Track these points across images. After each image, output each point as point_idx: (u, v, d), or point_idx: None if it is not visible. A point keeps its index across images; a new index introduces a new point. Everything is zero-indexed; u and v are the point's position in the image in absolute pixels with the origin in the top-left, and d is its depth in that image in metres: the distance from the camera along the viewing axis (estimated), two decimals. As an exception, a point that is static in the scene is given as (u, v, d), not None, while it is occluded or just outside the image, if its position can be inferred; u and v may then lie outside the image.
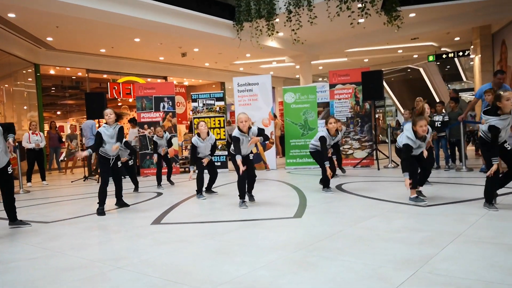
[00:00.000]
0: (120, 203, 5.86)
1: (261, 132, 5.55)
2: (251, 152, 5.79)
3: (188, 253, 3.38)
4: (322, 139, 6.17)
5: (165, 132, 8.19)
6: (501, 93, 4.28)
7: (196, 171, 6.39)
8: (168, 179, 8.39)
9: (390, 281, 2.51)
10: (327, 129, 6.30)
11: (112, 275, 2.91)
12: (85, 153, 5.58)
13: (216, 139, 6.90)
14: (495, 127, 4.24)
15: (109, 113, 5.42)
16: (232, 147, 5.48)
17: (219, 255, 3.26)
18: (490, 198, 4.43)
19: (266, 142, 5.69)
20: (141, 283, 2.71)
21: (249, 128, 5.48)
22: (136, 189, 7.55)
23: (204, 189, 6.52)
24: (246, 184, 5.55)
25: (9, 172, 4.62)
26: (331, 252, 3.17)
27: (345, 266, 2.82)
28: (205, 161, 6.41)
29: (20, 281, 2.91)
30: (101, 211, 5.38)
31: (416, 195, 5.04)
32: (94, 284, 2.76)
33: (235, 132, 5.50)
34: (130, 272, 2.95)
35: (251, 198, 5.67)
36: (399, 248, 3.17)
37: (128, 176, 8.07)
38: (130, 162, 7.62)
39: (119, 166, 5.68)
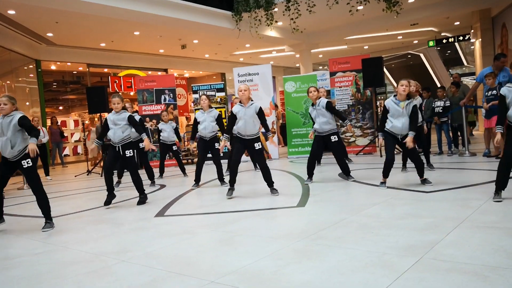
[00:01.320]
0: (141, 198, 5.51)
1: (263, 120, 5.37)
2: (257, 140, 5.35)
3: (192, 245, 3.39)
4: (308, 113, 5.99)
5: (171, 121, 8.17)
6: None
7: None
8: (183, 171, 8.28)
9: (394, 268, 2.51)
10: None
11: (117, 268, 2.93)
12: (93, 145, 5.58)
13: (219, 113, 6.84)
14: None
15: (115, 101, 5.34)
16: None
17: (223, 246, 3.28)
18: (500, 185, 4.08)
19: (269, 135, 5.53)
20: (145, 275, 2.73)
21: (250, 100, 5.31)
22: (152, 182, 7.26)
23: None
24: (236, 170, 5.39)
25: (23, 166, 4.39)
26: (334, 240, 3.18)
27: (349, 254, 2.82)
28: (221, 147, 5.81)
29: (25, 276, 2.93)
30: (106, 201, 5.44)
31: (383, 181, 5.19)
32: (99, 277, 2.78)
33: (235, 106, 5.37)
34: (134, 265, 2.96)
35: (273, 191, 5.35)
36: (402, 234, 3.18)
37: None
38: (141, 145, 7.14)
39: (127, 155, 5.40)
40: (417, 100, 6.16)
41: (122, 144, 5.39)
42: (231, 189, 5.42)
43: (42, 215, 4.47)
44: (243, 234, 3.58)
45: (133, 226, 4.23)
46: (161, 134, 8.03)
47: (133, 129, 5.48)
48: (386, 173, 5.17)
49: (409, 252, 2.77)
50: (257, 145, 5.32)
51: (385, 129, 5.19)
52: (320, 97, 6.08)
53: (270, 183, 5.39)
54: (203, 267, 2.82)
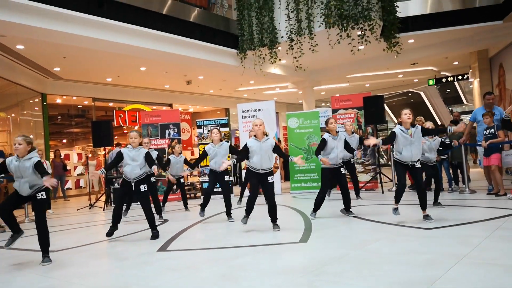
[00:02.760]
0: (154, 234, 5.43)
1: (282, 153, 5.61)
2: (270, 174, 5.40)
3: (195, 280, 3.42)
4: (322, 140, 6.03)
5: (180, 155, 8.32)
6: None
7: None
8: (185, 205, 8.41)
9: (395, 303, 2.55)
10: (328, 130, 6.10)
11: (121, 301, 2.95)
12: (98, 172, 5.65)
13: (230, 143, 6.98)
14: None
15: (133, 136, 5.41)
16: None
17: (226, 281, 3.30)
18: None
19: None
20: (150, 308, 2.76)
21: (266, 135, 5.40)
22: (160, 216, 7.31)
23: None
24: (252, 206, 5.49)
25: (37, 198, 4.42)
26: (336, 276, 3.21)
27: (351, 289, 2.86)
28: (223, 166, 5.78)
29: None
30: (109, 232, 5.49)
31: (396, 207, 5.37)
32: (104, 310, 2.81)
33: (249, 140, 5.45)
34: (138, 298, 2.99)
35: (275, 227, 5.36)
36: (404, 270, 3.21)
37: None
38: (152, 179, 7.18)
39: (142, 190, 5.43)
40: (436, 141, 6.46)
41: (136, 180, 5.42)
42: (247, 217, 5.55)
43: (39, 250, 4.47)
44: (246, 269, 3.61)
45: (135, 261, 4.25)
46: (171, 167, 8.10)
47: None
48: (398, 198, 5.32)
49: (410, 287, 2.81)
50: (270, 179, 5.38)
51: (394, 158, 5.38)
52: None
53: (274, 219, 5.44)
54: (207, 301, 2.85)
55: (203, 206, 6.80)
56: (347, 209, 6.12)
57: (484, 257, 3.44)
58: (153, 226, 5.48)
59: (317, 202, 6.08)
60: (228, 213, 6.58)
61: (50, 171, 9.95)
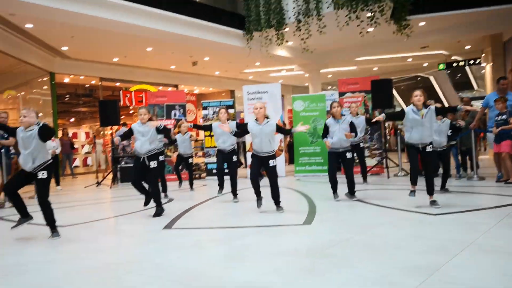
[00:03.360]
0: (157, 210, 5.49)
1: (283, 131, 5.63)
2: (272, 157, 5.39)
3: (200, 258, 3.44)
4: (324, 126, 6.04)
5: (187, 132, 8.39)
6: None
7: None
8: (191, 185, 8.45)
9: (400, 287, 2.53)
10: (332, 114, 6.06)
11: (126, 278, 2.98)
12: (116, 139, 5.67)
13: (236, 122, 7.00)
14: None
15: (142, 112, 5.50)
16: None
17: (230, 261, 3.31)
18: None
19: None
20: (154, 286, 2.78)
21: (266, 117, 5.39)
22: (165, 194, 7.36)
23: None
24: (257, 183, 5.49)
25: (38, 177, 4.46)
26: (340, 259, 3.20)
27: (355, 273, 2.85)
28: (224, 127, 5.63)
29: (36, 282, 2.99)
30: (146, 201, 5.73)
31: (413, 189, 5.25)
32: (109, 286, 2.83)
33: (250, 122, 5.46)
34: (143, 276, 3.01)
35: (279, 209, 5.39)
36: (408, 255, 3.19)
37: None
38: (160, 157, 6.79)
39: (151, 166, 5.48)
40: (445, 123, 6.47)
41: (147, 156, 5.48)
42: (259, 199, 5.54)
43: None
44: (250, 250, 3.62)
45: (141, 238, 4.29)
46: (178, 146, 8.23)
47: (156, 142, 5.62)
48: (414, 180, 5.22)
49: (415, 273, 2.79)
50: (272, 162, 5.36)
51: (405, 141, 5.30)
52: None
53: (277, 201, 5.45)
54: (211, 280, 2.86)
55: (221, 185, 6.74)
56: (351, 193, 6.11)
57: (492, 244, 3.41)
58: (158, 202, 5.54)
59: (332, 184, 6.09)
60: (234, 193, 6.58)
61: (59, 149, 10.00)
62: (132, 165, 6.66)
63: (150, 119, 5.58)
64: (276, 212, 5.34)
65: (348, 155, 6.03)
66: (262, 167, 5.48)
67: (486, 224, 4.11)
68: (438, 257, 3.09)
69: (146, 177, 5.60)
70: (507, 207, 4.94)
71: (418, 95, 5.09)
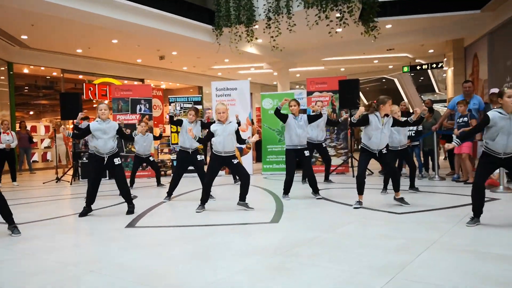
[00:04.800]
0: (130, 208, 5.33)
1: (238, 136, 5.45)
2: (234, 157, 5.42)
3: (164, 257, 3.32)
4: (284, 115, 6.02)
5: (147, 133, 8.22)
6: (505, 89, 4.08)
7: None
8: (158, 181, 8.32)
9: (367, 287, 2.53)
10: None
11: (85, 279, 2.83)
12: (65, 131, 5.39)
13: (202, 121, 6.77)
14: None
15: (103, 108, 5.25)
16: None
17: (196, 260, 3.22)
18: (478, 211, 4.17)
19: (243, 146, 5.54)
20: (114, 287, 2.65)
21: (228, 121, 5.38)
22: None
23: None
24: (209, 190, 5.48)
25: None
26: (308, 257, 3.18)
27: (322, 272, 2.83)
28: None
29: (-13, 285, 2.80)
30: (82, 213, 5.25)
31: (358, 200, 5.26)
32: (66, 288, 2.68)
33: (213, 125, 5.39)
34: (104, 276, 2.87)
35: (244, 205, 5.40)
36: (375, 254, 3.21)
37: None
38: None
39: (116, 163, 5.29)
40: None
41: (110, 154, 5.28)
42: (202, 206, 5.43)
43: (4, 222, 4.30)
44: (216, 248, 3.53)
45: (102, 237, 4.11)
46: (135, 146, 8.02)
47: None
48: (360, 190, 5.24)
49: (382, 272, 2.80)
50: (235, 161, 5.42)
51: (361, 145, 5.38)
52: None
53: (244, 196, 5.43)
54: (175, 280, 2.76)
55: (170, 192, 6.44)
56: (314, 191, 6.15)
57: (454, 243, 3.48)
58: (129, 200, 5.38)
59: (286, 184, 6.12)
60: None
61: (15, 142, 9.54)
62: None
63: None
64: (237, 207, 5.38)
65: (306, 153, 6.10)
66: (228, 167, 5.47)
67: (448, 223, 4.21)
68: (404, 256, 3.12)
69: (114, 176, 5.40)
70: (468, 206, 5.05)
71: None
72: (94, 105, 17.28)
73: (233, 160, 5.40)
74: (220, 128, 5.31)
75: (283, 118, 6.04)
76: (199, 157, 6.46)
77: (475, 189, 4.19)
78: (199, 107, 11.03)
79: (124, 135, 5.61)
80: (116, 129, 5.33)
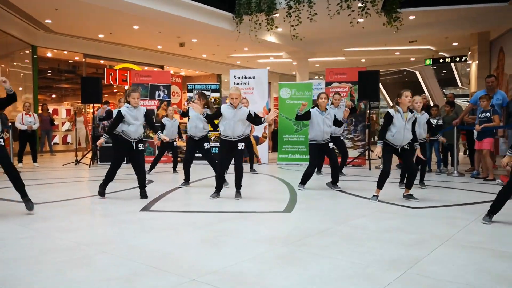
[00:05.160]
0: (142, 193, 5.37)
1: (255, 119, 5.37)
2: (241, 140, 5.35)
3: (176, 241, 3.35)
4: (307, 112, 5.92)
5: (174, 118, 8.27)
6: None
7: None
8: (174, 168, 8.44)
9: (377, 281, 2.50)
10: (318, 105, 6.00)
11: (97, 259, 2.88)
12: (102, 140, 5.41)
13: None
14: None
15: (136, 96, 5.29)
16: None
17: (207, 245, 3.24)
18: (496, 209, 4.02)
19: (259, 135, 5.46)
20: (126, 268, 2.69)
21: (240, 104, 5.30)
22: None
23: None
24: (223, 176, 5.47)
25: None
26: (319, 248, 3.16)
27: (332, 264, 2.81)
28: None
29: (5, 259, 2.87)
30: (101, 192, 5.38)
31: (376, 194, 5.19)
32: (78, 266, 2.73)
33: (223, 106, 5.31)
34: (115, 257, 2.91)
35: (237, 195, 5.36)
36: (387, 248, 3.17)
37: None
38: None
39: (140, 149, 5.36)
40: (424, 116, 6.31)
41: (138, 140, 5.37)
42: (216, 193, 5.42)
43: (22, 201, 4.41)
44: (227, 235, 3.55)
45: (117, 219, 4.17)
46: (164, 130, 7.98)
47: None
48: (380, 185, 5.16)
49: (393, 266, 2.76)
50: (241, 145, 5.32)
51: (385, 140, 5.13)
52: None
53: (238, 186, 5.40)
54: (185, 264, 2.78)
55: (186, 178, 6.51)
56: (334, 183, 6.10)
57: (470, 240, 3.41)
58: (144, 185, 5.43)
59: (305, 175, 6.07)
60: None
61: (37, 124, 9.74)
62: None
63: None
64: (234, 198, 5.29)
65: (331, 145, 6.06)
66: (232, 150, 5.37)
67: (464, 219, 4.12)
68: (416, 251, 3.07)
69: (134, 160, 5.42)
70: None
71: (323, 98, 5.85)
72: (115, 90, 17.49)
73: (239, 144, 5.32)
74: (231, 113, 5.24)
75: (306, 116, 5.95)
76: (206, 145, 6.42)
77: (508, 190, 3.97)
78: (217, 94, 11.05)
79: (152, 123, 5.67)
80: (144, 114, 5.40)
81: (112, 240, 3.38)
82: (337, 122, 6.19)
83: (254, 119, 5.39)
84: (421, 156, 5.50)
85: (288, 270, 2.68)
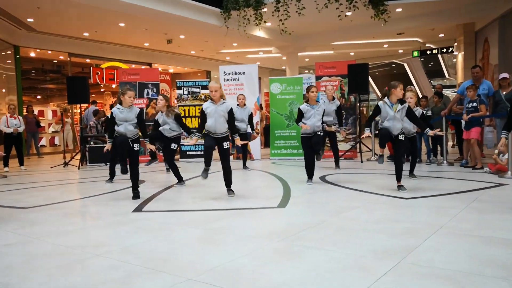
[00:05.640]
0: (135, 194, 5.32)
1: (231, 121, 5.18)
2: (226, 139, 5.20)
3: (170, 241, 3.33)
4: (298, 111, 5.97)
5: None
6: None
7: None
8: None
9: (372, 271, 2.51)
10: (308, 98, 6.00)
11: (91, 262, 2.84)
12: (108, 146, 5.48)
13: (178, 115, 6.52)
14: None
15: (132, 95, 5.28)
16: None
17: (202, 244, 3.23)
18: None
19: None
20: (120, 270, 2.66)
21: (222, 99, 5.14)
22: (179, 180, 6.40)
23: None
24: (210, 154, 5.19)
25: None
26: (314, 242, 3.17)
27: (328, 256, 2.82)
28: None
29: (-5, 266, 2.83)
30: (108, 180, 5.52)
31: (382, 153, 5.36)
32: (71, 271, 2.70)
33: (205, 103, 5.21)
34: (109, 260, 2.89)
35: (230, 192, 5.27)
36: (381, 238, 3.19)
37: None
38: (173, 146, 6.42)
39: (135, 149, 5.31)
40: (418, 111, 6.50)
41: (132, 139, 5.34)
42: (206, 169, 5.19)
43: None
44: (222, 233, 3.54)
45: (109, 221, 4.13)
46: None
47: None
48: (382, 144, 5.29)
49: (387, 256, 2.78)
50: (225, 144, 5.19)
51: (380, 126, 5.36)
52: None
53: (228, 183, 5.30)
54: (180, 264, 2.77)
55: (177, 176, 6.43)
56: (336, 164, 6.23)
57: (460, 227, 3.45)
58: (137, 186, 5.38)
59: (307, 168, 6.08)
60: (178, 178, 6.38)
61: (22, 127, 9.58)
62: (101, 145, 6.36)
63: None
64: (228, 196, 5.23)
65: (319, 132, 6.01)
66: (217, 147, 5.25)
67: (455, 208, 4.17)
68: (410, 241, 3.10)
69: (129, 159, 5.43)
70: (475, 192, 5.05)
71: (314, 91, 5.88)
72: (102, 90, 17.32)
73: (224, 143, 5.18)
74: (212, 108, 5.10)
75: (300, 116, 6.00)
76: (173, 145, 6.31)
77: None
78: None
79: (143, 126, 5.47)
80: (136, 115, 5.35)
81: (105, 242, 3.35)
82: (338, 114, 6.17)
83: (230, 121, 5.17)
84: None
85: (283, 265, 2.68)
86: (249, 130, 8.76)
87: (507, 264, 2.58)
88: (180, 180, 6.33)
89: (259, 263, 2.72)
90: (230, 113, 5.17)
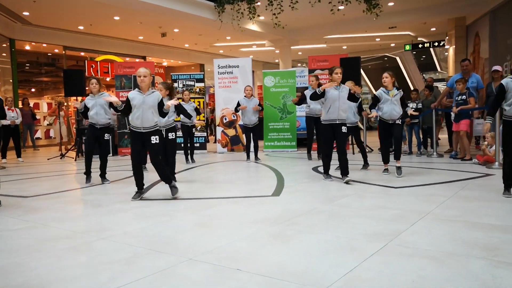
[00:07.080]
0: (102, 178, 5.88)
1: (161, 111, 4.61)
2: (154, 134, 4.58)
3: (170, 227, 3.50)
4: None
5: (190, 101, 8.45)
6: None
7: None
8: (191, 156, 8.41)
9: (361, 251, 2.70)
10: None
11: (97, 245, 3.00)
12: (79, 104, 5.87)
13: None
14: None
15: (94, 82, 5.66)
16: None
17: (200, 229, 3.39)
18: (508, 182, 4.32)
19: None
20: (125, 252, 2.82)
21: (151, 88, 4.62)
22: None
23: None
24: (141, 173, 4.71)
25: None
26: (306, 226, 3.35)
27: (320, 239, 3.00)
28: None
29: (5, 248, 2.98)
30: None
31: (385, 168, 6.03)
32: (79, 252, 2.86)
33: (131, 92, 4.63)
34: (114, 243, 3.05)
35: (173, 190, 4.68)
36: (370, 223, 3.38)
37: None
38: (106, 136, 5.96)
39: (105, 138, 5.73)
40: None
41: (102, 127, 5.68)
42: (139, 192, 4.71)
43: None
44: (220, 218, 3.71)
45: (111, 208, 4.29)
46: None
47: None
48: (385, 159, 6.02)
49: (376, 238, 2.97)
50: (154, 139, 4.58)
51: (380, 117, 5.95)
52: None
53: (166, 180, 4.72)
54: (181, 246, 2.93)
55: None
56: (343, 173, 5.41)
57: (446, 214, 3.64)
58: (102, 172, 5.95)
59: (324, 163, 5.73)
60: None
61: (19, 119, 9.67)
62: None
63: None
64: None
65: (344, 128, 5.50)
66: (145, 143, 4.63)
67: (442, 196, 4.37)
68: (397, 225, 3.29)
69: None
70: (462, 181, 5.26)
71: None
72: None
73: (152, 138, 4.57)
74: (139, 99, 4.47)
75: (320, 94, 5.45)
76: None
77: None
78: (201, 84, 11.11)
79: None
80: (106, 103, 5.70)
81: (109, 227, 3.50)
82: (353, 98, 5.55)
83: (161, 111, 4.58)
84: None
85: (278, 247, 2.85)
86: (241, 122, 8.88)
87: (489, 245, 2.76)
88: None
89: (255, 245, 2.90)
90: (160, 103, 4.58)
